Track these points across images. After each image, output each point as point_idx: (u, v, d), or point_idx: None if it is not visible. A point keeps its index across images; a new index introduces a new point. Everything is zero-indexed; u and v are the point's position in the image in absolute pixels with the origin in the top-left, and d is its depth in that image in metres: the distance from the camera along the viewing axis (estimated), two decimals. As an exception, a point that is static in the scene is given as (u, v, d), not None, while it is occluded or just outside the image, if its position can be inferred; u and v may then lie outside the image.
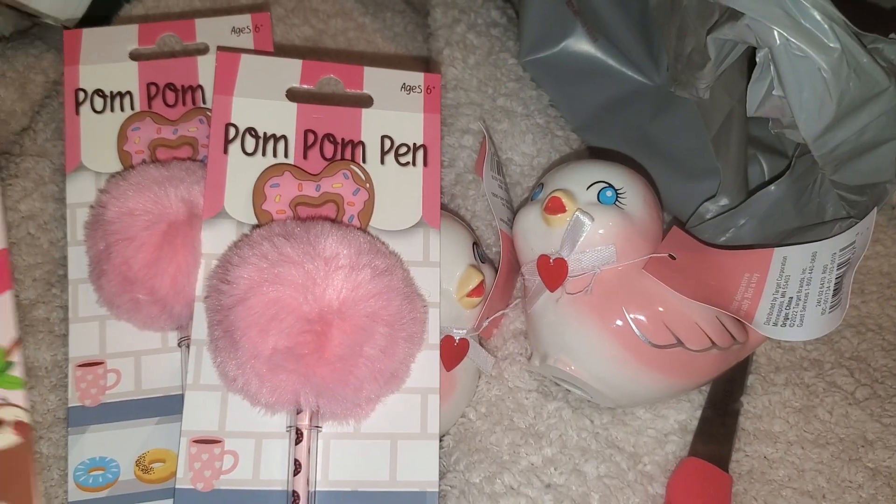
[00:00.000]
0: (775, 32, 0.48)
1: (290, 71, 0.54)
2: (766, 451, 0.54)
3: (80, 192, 0.58)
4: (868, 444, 0.54)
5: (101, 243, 0.52)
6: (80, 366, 0.54)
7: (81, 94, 0.60)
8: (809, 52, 0.48)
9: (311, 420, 0.47)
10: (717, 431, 0.54)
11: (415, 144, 0.54)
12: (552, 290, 0.52)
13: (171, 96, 0.61)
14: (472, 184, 0.64)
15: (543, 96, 0.69)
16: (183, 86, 0.61)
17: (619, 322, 0.50)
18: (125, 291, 0.52)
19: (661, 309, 0.50)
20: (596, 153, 0.67)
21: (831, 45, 0.48)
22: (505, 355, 0.57)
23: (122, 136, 0.59)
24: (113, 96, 0.60)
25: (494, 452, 0.54)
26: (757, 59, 0.50)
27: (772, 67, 0.50)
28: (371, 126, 0.54)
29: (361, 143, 0.54)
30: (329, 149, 0.53)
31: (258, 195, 0.52)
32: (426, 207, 0.53)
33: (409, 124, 0.54)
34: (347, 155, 0.53)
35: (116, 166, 0.58)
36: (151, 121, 0.60)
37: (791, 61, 0.48)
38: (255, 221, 0.51)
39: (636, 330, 0.50)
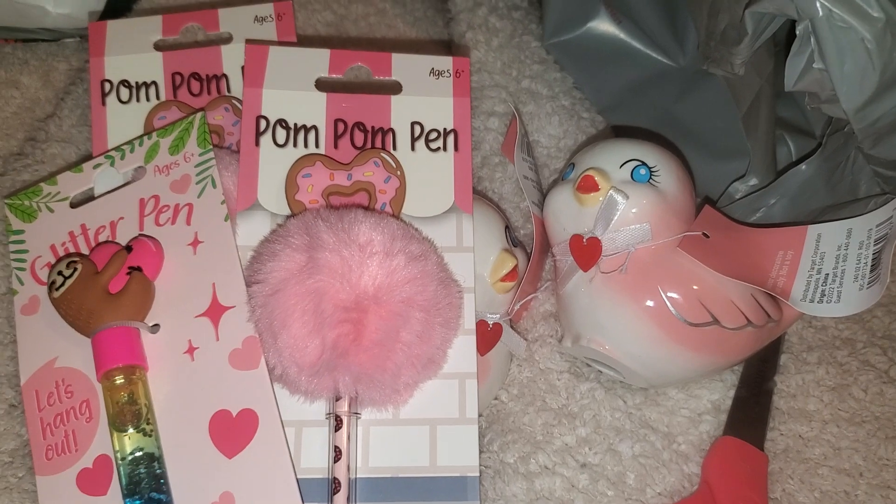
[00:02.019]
0: (817, 3, 0.47)
1: (318, 61, 0.54)
2: (801, 430, 0.54)
3: (108, 181, 0.57)
4: (904, 422, 0.54)
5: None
6: None
7: (107, 85, 0.61)
8: (853, 22, 0.47)
9: (349, 407, 0.47)
10: (751, 411, 0.54)
11: (445, 129, 0.54)
12: (585, 270, 0.52)
13: (195, 85, 0.61)
14: (499, 166, 0.63)
15: (568, 78, 0.69)
16: (207, 75, 0.61)
17: (654, 301, 0.50)
18: None
19: (696, 287, 0.50)
20: (623, 133, 0.67)
21: (875, 14, 0.47)
22: (535, 337, 0.57)
23: (149, 126, 0.60)
24: (138, 86, 0.61)
25: (528, 433, 0.54)
26: (797, 32, 0.49)
27: (812, 39, 0.49)
28: (400, 113, 0.54)
29: (391, 130, 0.54)
30: (359, 137, 0.53)
31: (291, 186, 0.52)
32: (458, 192, 0.53)
33: (438, 109, 0.54)
34: (378, 143, 0.53)
35: (143, 156, 0.59)
36: (177, 109, 0.60)
37: (833, 33, 0.48)
38: (288, 212, 0.51)
39: (672, 308, 0.50)
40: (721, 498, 0.50)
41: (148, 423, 0.47)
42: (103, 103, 0.60)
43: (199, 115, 0.55)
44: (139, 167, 0.54)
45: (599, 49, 0.67)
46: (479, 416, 0.54)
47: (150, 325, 0.50)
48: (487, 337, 0.52)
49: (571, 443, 0.53)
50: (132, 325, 0.48)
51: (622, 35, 0.66)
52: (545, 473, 0.52)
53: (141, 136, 0.55)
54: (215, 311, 0.49)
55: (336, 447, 0.46)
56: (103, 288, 0.49)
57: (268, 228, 0.51)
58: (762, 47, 0.55)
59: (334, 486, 0.46)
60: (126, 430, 0.46)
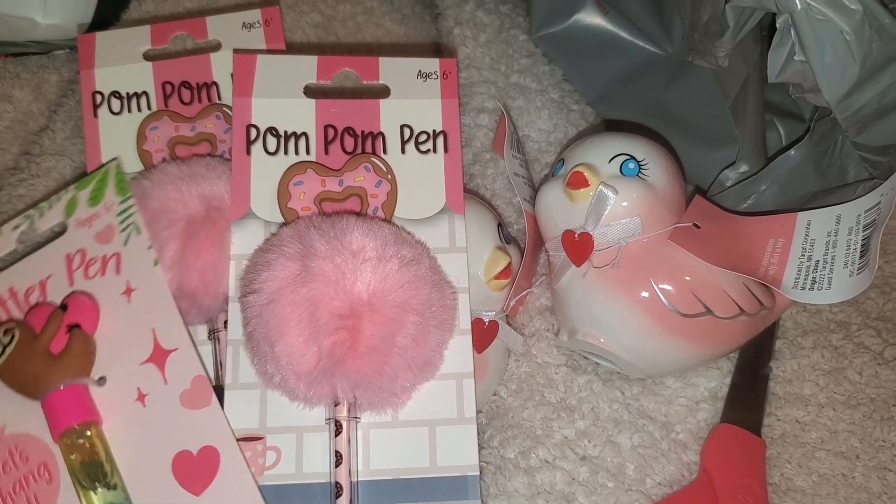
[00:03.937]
0: (796, -3, 0.48)
1: (306, 67, 0.55)
2: (798, 415, 0.54)
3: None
4: (899, 403, 0.54)
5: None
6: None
7: (98, 97, 0.61)
8: (831, 15, 0.47)
9: (349, 411, 0.47)
10: (747, 397, 0.55)
11: (434, 131, 0.54)
12: (578, 265, 0.52)
13: (186, 94, 0.61)
14: (491, 162, 0.64)
15: (557, 71, 0.69)
16: (198, 83, 0.62)
17: (647, 293, 0.50)
18: None
19: (688, 278, 0.50)
20: (613, 126, 0.67)
21: (853, 7, 0.47)
22: (532, 332, 0.58)
23: (142, 136, 0.60)
24: (129, 97, 0.61)
25: (527, 427, 0.54)
26: (777, 25, 0.50)
27: (792, 32, 0.49)
28: (390, 116, 0.54)
29: (381, 133, 0.54)
30: (349, 142, 0.54)
31: (283, 194, 0.52)
32: (449, 193, 0.53)
33: (427, 111, 0.54)
34: (368, 147, 0.54)
35: (137, 166, 0.59)
36: (169, 119, 0.60)
37: (812, 25, 0.48)
38: (281, 220, 0.52)
39: (664, 300, 0.50)
40: (720, 486, 0.51)
41: (112, 476, 0.47)
42: (95, 115, 0.60)
43: (113, 163, 0.55)
44: (60, 223, 0.55)
45: (587, 40, 0.67)
46: (479, 412, 0.55)
47: (97, 378, 0.50)
48: (484, 334, 0.53)
49: (571, 436, 0.54)
50: (79, 383, 0.49)
51: (609, 25, 0.66)
52: (545, 467, 0.53)
53: (58, 192, 0.56)
54: (159, 356, 0.50)
55: (337, 452, 0.47)
56: (45, 350, 0.49)
57: (262, 237, 0.51)
58: (748, 34, 0.55)
59: (336, 490, 0.46)
60: (93, 487, 0.47)
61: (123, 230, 0.53)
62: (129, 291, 0.51)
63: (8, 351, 0.49)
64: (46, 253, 0.54)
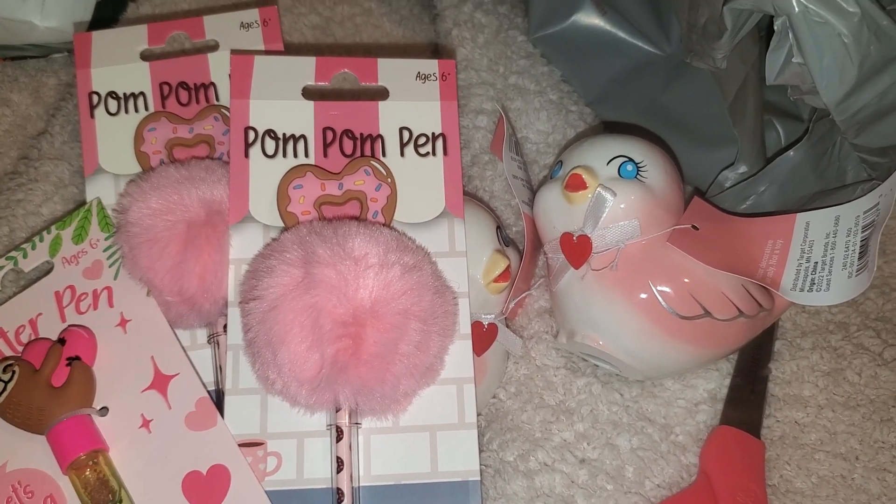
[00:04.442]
0: (793, 0, 0.48)
1: (304, 69, 0.54)
2: (797, 416, 0.55)
3: (102, 194, 0.58)
4: (899, 404, 0.54)
5: (124, 246, 0.53)
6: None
7: (95, 97, 0.60)
8: (829, 17, 0.47)
9: (350, 417, 0.48)
10: (747, 399, 0.55)
11: (433, 134, 0.54)
12: (577, 268, 0.52)
13: (184, 95, 0.61)
14: (489, 164, 0.64)
15: (555, 72, 0.69)
16: (195, 84, 0.61)
17: (645, 295, 0.50)
18: (154, 295, 0.53)
19: (686, 280, 0.50)
20: (612, 127, 0.67)
21: (850, 9, 0.47)
22: (531, 334, 0.58)
23: (139, 138, 0.59)
24: (126, 98, 0.61)
25: (527, 430, 0.54)
26: (775, 27, 0.50)
27: (790, 35, 0.49)
28: (389, 118, 0.54)
29: (380, 136, 0.54)
30: (348, 145, 0.54)
31: (282, 197, 0.52)
32: (449, 197, 0.53)
33: (426, 114, 0.54)
34: (367, 150, 0.54)
35: (135, 168, 0.59)
36: (167, 120, 0.60)
37: (810, 28, 0.48)
38: (281, 224, 0.52)
39: (663, 302, 0.50)
40: (719, 488, 0.51)
41: (123, 501, 0.48)
42: (92, 116, 0.60)
43: (94, 201, 0.56)
44: (45, 261, 0.55)
45: (585, 41, 0.67)
46: (478, 415, 0.55)
47: (98, 408, 0.50)
48: (483, 337, 0.53)
49: (570, 439, 0.54)
50: (83, 413, 0.49)
51: (607, 26, 0.66)
52: (545, 470, 0.53)
53: (40, 232, 0.57)
54: (160, 382, 0.51)
55: (338, 458, 0.47)
56: (46, 384, 0.49)
57: (261, 241, 0.51)
58: (747, 35, 0.55)
59: (338, 496, 0.46)
60: None
61: (112, 265, 0.54)
62: (123, 323, 0.52)
63: (10, 387, 0.49)
64: (34, 292, 0.54)
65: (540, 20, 0.68)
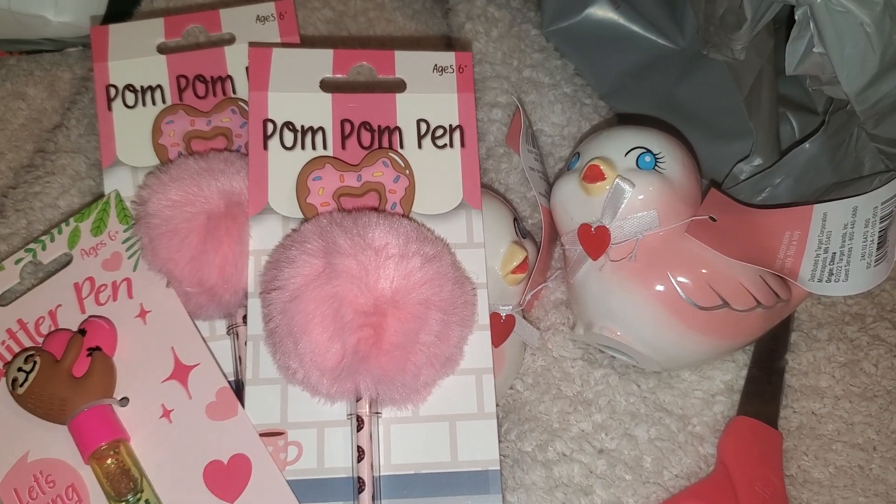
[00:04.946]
0: (816, -11, 0.48)
1: (322, 61, 0.55)
2: (814, 407, 0.55)
3: (120, 187, 0.58)
4: (915, 395, 0.55)
5: (144, 237, 0.53)
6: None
7: (112, 90, 0.61)
8: (851, 7, 0.48)
9: (370, 407, 0.48)
10: (764, 390, 0.55)
11: (451, 126, 0.54)
12: (595, 259, 0.52)
13: (201, 88, 0.61)
14: (504, 157, 0.64)
15: (569, 66, 0.69)
16: (212, 76, 0.61)
17: (663, 286, 0.51)
18: (174, 286, 0.53)
19: (705, 271, 0.50)
20: (627, 119, 0.67)
21: (873, -2, 0.48)
22: (547, 326, 0.58)
23: (157, 130, 0.60)
24: (144, 91, 0.61)
25: (544, 421, 0.55)
26: (796, 17, 0.50)
27: (811, 24, 0.49)
28: (406, 111, 0.54)
29: (398, 128, 0.54)
30: (366, 137, 0.54)
31: (301, 189, 0.52)
32: (466, 189, 0.53)
33: (443, 106, 0.54)
34: (385, 142, 0.54)
35: (152, 160, 0.59)
36: (184, 113, 0.60)
37: (832, 17, 0.48)
38: (300, 215, 0.52)
39: (682, 293, 0.50)
40: (737, 478, 0.51)
41: (146, 492, 0.48)
42: (109, 108, 0.60)
43: (112, 193, 0.57)
44: (64, 253, 0.56)
45: (599, 34, 0.67)
46: (496, 406, 0.55)
47: (119, 399, 0.50)
48: (501, 329, 0.53)
49: (588, 429, 0.54)
50: (104, 403, 0.49)
51: (621, 19, 0.66)
52: (563, 460, 0.53)
53: (58, 225, 0.57)
54: (181, 373, 0.51)
55: (359, 447, 0.47)
56: (68, 374, 0.49)
57: (280, 232, 0.51)
58: (762, 27, 0.55)
59: (359, 485, 0.46)
60: (128, 500, 0.48)
61: (131, 256, 0.54)
62: (143, 314, 0.53)
63: (31, 377, 0.49)
64: (54, 283, 0.55)
65: (553, 14, 0.68)
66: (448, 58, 0.55)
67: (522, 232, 0.56)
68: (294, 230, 0.51)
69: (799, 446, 0.54)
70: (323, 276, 0.47)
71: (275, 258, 0.50)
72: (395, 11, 0.75)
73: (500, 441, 0.54)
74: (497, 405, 0.55)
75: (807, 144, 0.59)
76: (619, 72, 0.67)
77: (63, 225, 0.56)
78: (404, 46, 0.55)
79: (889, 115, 0.52)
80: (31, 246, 0.56)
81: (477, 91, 0.66)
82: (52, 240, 0.56)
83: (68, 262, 0.55)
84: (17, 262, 0.56)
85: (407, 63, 0.55)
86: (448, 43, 0.72)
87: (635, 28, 0.66)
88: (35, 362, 0.50)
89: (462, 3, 0.71)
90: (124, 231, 0.55)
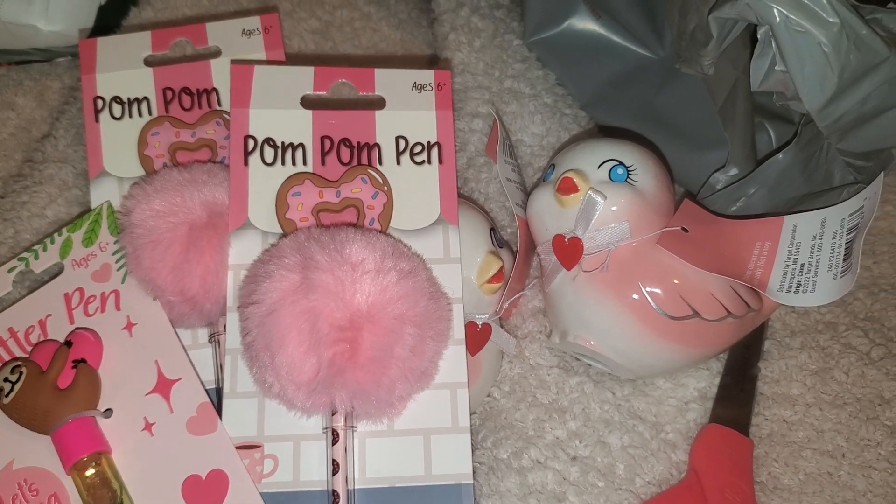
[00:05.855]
0: (775, 10, 0.49)
1: (303, 78, 0.55)
2: (785, 414, 0.56)
3: (106, 197, 0.59)
4: (885, 403, 0.55)
5: (128, 247, 0.54)
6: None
7: (100, 102, 0.62)
8: (809, 27, 0.49)
9: (346, 421, 0.48)
10: (736, 397, 0.56)
11: (429, 143, 0.55)
12: (569, 269, 0.53)
13: (186, 100, 0.62)
14: (485, 167, 0.65)
15: (550, 76, 0.70)
16: (198, 89, 0.62)
17: (635, 296, 0.51)
18: (156, 296, 0.54)
19: (676, 281, 0.51)
20: (605, 131, 0.68)
21: (830, 19, 0.49)
22: (525, 334, 0.59)
23: (143, 142, 0.61)
24: (130, 102, 0.62)
25: (520, 428, 0.56)
26: (758, 36, 0.51)
27: (773, 43, 0.50)
28: (385, 127, 0.55)
29: (377, 145, 0.55)
30: (346, 153, 0.55)
31: (281, 204, 0.53)
32: (444, 204, 0.54)
33: (422, 123, 0.55)
34: (364, 158, 0.55)
35: (138, 171, 0.60)
36: (170, 125, 0.61)
37: (791, 37, 0.49)
38: (279, 230, 0.53)
39: (653, 303, 0.51)
40: (708, 485, 0.52)
41: (124, 502, 0.49)
42: (97, 120, 0.61)
43: (105, 205, 0.57)
44: (56, 263, 0.56)
45: (580, 45, 0.68)
46: (473, 413, 0.56)
47: (103, 410, 0.51)
48: (477, 337, 0.54)
49: (562, 436, 0.55)
50: (88, 415, 0.50)
51: (601, 30, 0.67)
52: (537, 468, 0.54)
53: (51, 234, 0.57)
54: (164, 386, 0.52)
55: (334, 460, 0.47)
56: (52, 385, 0.50)
57: (259, 247, 0.52)
58: (737, 39, 0.56)
59: (333, 498, 0.47)
60: None
61: (121, 268, 0.55)
62: (130, 326, 0.53)
63: (17, 387, 0.50)
64: (44, 293, 0.55)
65: (535, 24, 0.69)
66: (427, 76, 0.56)
67: (499, 242, 0.56)
68: (272, 245, 0.52)
69: (769, 453, 0.54)
70: (300, 291, 0.47)
71: (253, 273, 0.51)
72: (381, 21, 0.76)
73: (476, 448, 0.55)
74: (474, 413, 0.56)
75: (780, 155, 0.60)
76: (600, 82, 0.68)
77: (56, 235, 0.57)
78: (388, 60, 0.56)
79: (851, 130, 0.53)
80: (25, 255, 0.57)
81: (459, 101, 0.67)
82: (45, 249, 0.57)
83: (59, 272, 0.56)
84: (10, 270, 0.56)
85: (386, 80, 0.56)
86: (431, 59, 0.73)
87: (616, 38, 0.67)
88: (21, 373, 0.50)
89: (447, 13, 0.72)
90: (115, 243, 0.56)
